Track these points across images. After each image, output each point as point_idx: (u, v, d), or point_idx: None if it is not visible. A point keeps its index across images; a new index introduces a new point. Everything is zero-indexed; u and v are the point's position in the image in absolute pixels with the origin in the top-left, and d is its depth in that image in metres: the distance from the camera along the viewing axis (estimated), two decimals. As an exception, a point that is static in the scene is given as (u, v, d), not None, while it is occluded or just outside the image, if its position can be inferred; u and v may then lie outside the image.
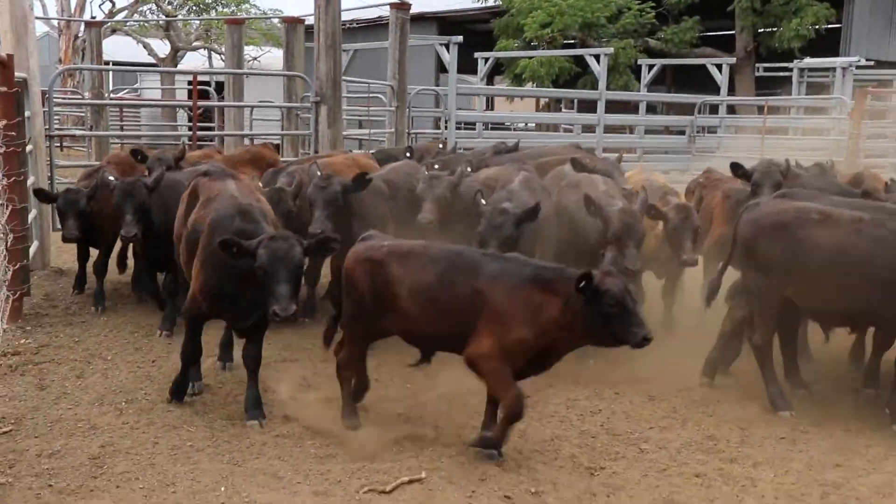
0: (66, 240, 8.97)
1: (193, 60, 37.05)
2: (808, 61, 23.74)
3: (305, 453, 5.87)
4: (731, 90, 25.01)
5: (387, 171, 9.12)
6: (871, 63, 23.87)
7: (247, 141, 16.32)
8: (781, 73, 25.36)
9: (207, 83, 24.75)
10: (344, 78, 14.84)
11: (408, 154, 10.92)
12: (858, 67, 22.25)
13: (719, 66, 23.94)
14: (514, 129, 27.53)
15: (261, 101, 19.78)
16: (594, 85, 21.65)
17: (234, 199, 6.44)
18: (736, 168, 9.03)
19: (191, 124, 14.54)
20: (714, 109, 23.26)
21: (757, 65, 26.49)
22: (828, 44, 25.15)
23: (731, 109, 24.30)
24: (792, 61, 24.26)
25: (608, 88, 21.89)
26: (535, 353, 5.57)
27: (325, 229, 7.36)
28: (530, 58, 26.10)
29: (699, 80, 26.60)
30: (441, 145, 12.94)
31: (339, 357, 6.21)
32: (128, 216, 7.97)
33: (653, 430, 6.54)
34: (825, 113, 22.61)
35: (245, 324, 6.39)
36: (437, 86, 24.73)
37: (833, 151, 19.99)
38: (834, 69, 22.43)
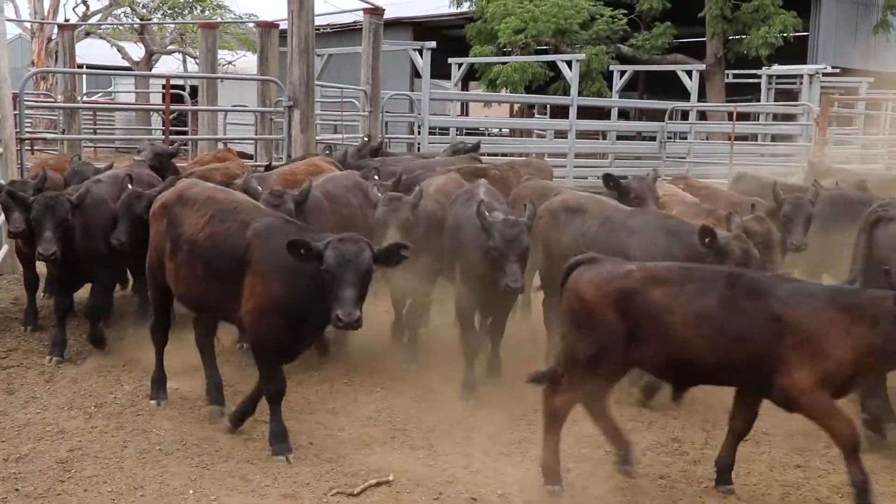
0: (11, 235, 8.27)
1: (168, 64, 36.90)
2: (777, 68, 24.02)
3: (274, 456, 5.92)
4: (702, 96, 25.26)
5: (324, 181, 8.61)
6: (837, 70, 24.21)
7: (220, 145, 16.29)
8: (750, 80, 25.67)
9: (182, 87, 24.69)
10: (317, 83, 14.85)
11: (327, 152, 10.71)
12: (825, 75, 22.56)
13: (689, 73, 24.20)
14: (489, 135, 27.71)
15: (235, 106, 19.77)
16: (567, 91, 21.78)
17: (267, 210, 6.46)
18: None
19: (164, 128, 14.54)
20: (684, 115, 23.49)
21: (727, 71, 26.77)
22: (796, 51, 25.48)
23: (702, 115, 24.56)
24: (761, 68, 24.54)
25: (581, 94, 22.03)
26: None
27: None
28: (504, 63, 26.23)
29: (670, 87, 26.85)
30: (366, 137, 12.74)
31: (556, 401, 5.51)
32: (47, 233, 7.39)
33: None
34: (793, 119, 22.90)
35: (304, 349, 6.22)
36: (412, 91, 24.80)
37: (800, 157, 20.29)
38: (801, 76, 22.72)
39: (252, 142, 17.17)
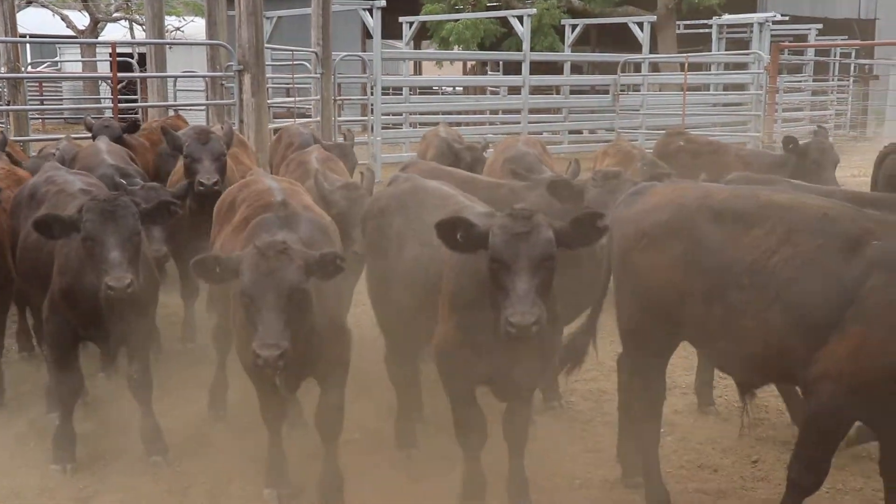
0: None
1: (115, 32, 36.14)
2: (727, 18, 24.14)
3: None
4: (654, 48, 25.32)
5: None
6: (787, 18, 24.38)
7: (170, 112, 16.08)
8: (701, 31, 25.76)
9: (129, 55, 24.26)
10: (267, 45, 14.68)
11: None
12: (775, 23, 22.71)
13: (641, 25, 24.22)
14: (442, 93, 27.61)
15: (185, 72, 19.49)
16: (520, 46, 21.72)
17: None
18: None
19: (113, 97, 14.30)
20: (637, 68, 23.55)
21: (678, 22, 26.82)
22: (746, 0, 25.61)
23: (654, 67, 24.62)
24: (712, 18, 24.63)
25: (533, 49, 21.98)
26: None
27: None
28: (455, 21, 26.05)
29: (622, 39, 26.83)
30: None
31: None
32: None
33: (578, 383, 6.75)
34: (744, 68, 23.07)
35: None
36: (364, 51, 24.59)
37: (752, 105, 20.52)
38: (751, 25, 22.87)
39: (203, 108, 16.96)
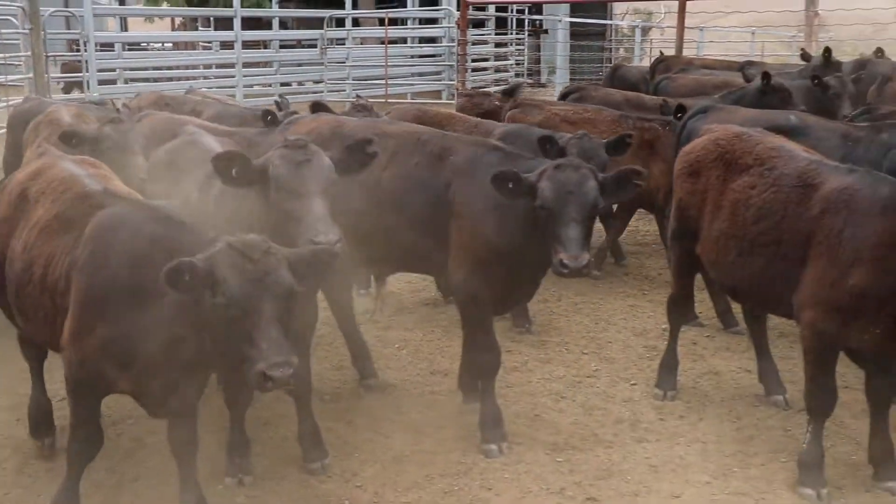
0: None
1: None
2: (418, -25, 26.02)
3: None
4: (354, 5, 26.88)
5: None
6: (469, -25, 26.70)
7: None
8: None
9: None
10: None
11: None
12: (458, -20, 24.89)
13: (344, -19, 25.59)
14: (150, 49, 27.63)
15: None
16: (227, 3, 22.36)
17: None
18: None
19: None
20: (341, 23, 24.96)
21: (375, -21, 28.38)
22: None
23: (356, 22, 26.13)
24: (404, -23, 26.45)
25: (241, 6, 22.80)
26: None
27: None
28: (161, -23, 26.16)
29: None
30: None
31: None
32: None
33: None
34: (436, 23, 25.17)
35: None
36: (66, 7, 24.15)
37: (445, 56, 22.74)
38: (438, -19, 24.88)
39: None
